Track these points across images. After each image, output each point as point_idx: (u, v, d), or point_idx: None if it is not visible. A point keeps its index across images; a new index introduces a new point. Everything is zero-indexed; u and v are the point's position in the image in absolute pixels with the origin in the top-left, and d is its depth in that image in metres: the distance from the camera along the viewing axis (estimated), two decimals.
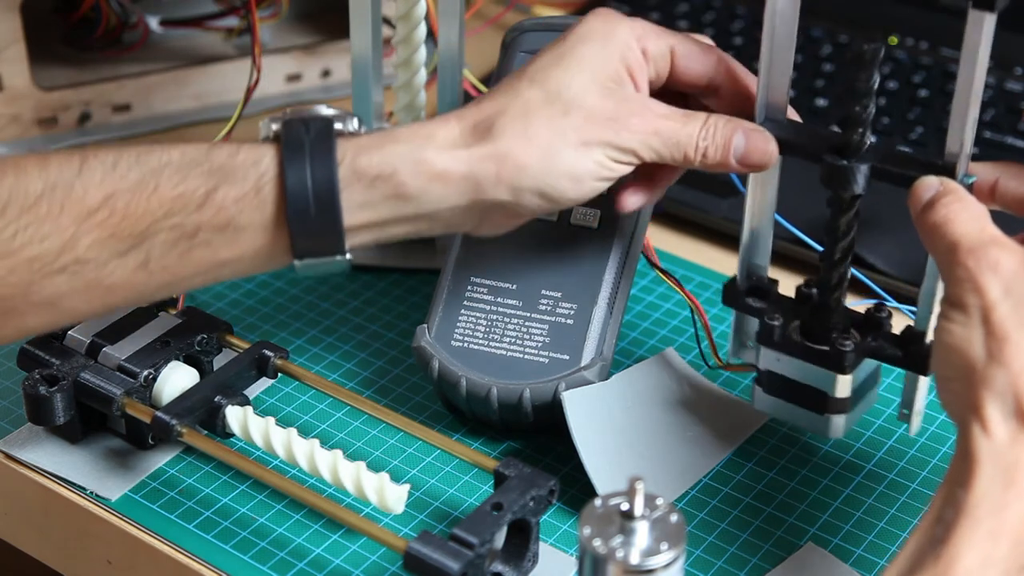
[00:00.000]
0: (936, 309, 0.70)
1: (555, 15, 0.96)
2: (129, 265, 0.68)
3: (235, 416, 0.76)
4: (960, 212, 0.65)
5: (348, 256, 0.69)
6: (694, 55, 0.73)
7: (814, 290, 0.74)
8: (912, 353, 0.72)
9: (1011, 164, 0.71)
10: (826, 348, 0.72)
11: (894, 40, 1.10)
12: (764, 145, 0.71)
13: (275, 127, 0.69)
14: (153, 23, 1.11)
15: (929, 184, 0.67)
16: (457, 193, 0.69)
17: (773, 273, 0.77)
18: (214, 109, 1.08)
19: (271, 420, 0.75)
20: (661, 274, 0.81)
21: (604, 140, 0.69)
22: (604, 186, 0.71)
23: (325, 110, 0.70)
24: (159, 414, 0.75)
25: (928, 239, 0.66)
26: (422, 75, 0.91)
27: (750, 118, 0.72)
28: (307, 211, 0.67)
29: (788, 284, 0.77)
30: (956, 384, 0.62)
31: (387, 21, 0.99)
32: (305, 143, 0.68)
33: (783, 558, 0.74)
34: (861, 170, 0.69)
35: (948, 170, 0.68)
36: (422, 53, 0.91)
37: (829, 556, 0.74)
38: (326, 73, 1.11)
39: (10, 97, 1.03)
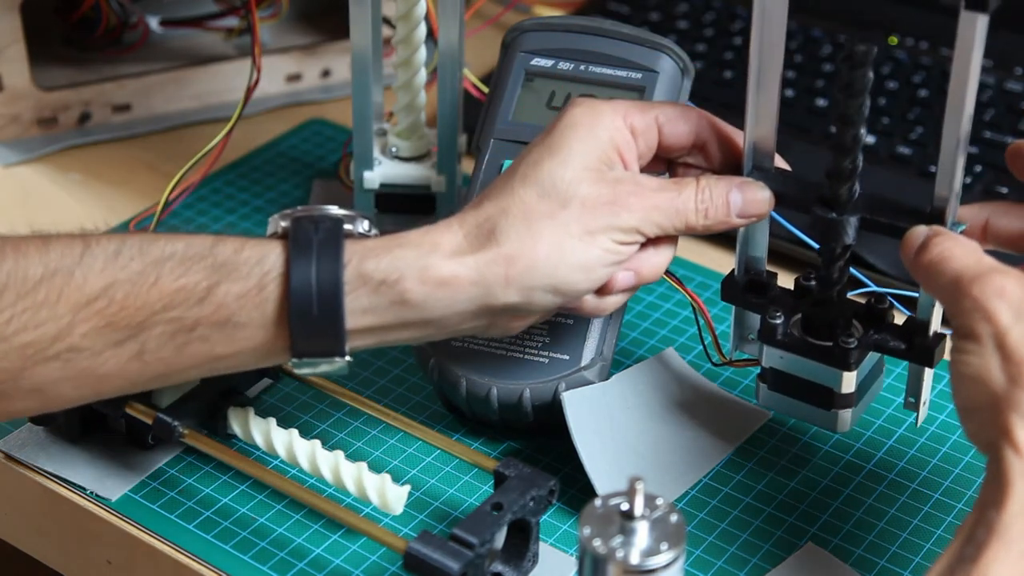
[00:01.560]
0: None
1: (555, 15, 0.96)
2: (124, 355, 0.67)
3: (236, 417, 0.76)
4: (955, 248, 0.65)
5: (348, 358, 0.68)
6: (677, 118, 0.73)
7: (813, 282, 0.74)
8: (917, 345, 0.72)
9: (999, 203, 0.72)
10: (830, 344, 0.72)
11: (894, 40, 1.10)
12: (760, 195, 0.72)
13: (284, 224, 0.69)
14: (153, 23, 1.11)
15: (920, 231, 0.68)
16: (466, 299, 0.68)
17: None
18: (214, 109, 1.08)
19: (272, 421, 0.75)
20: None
21: (606, 225, 0.69)
22: (612, 271, 0.71)
23: (335, 210, 0.69)
24: (161, 415, 0.75)
25: (927, 279, 0.66)
26: (422, 75, 0.91)
27: (738, 169, 0.73)
28: (309, 312, 0.66)
29: (787, 282, 0.77)
30: (981, 414, 0.62)
31: (387, 21, 0.99)
32: (313, 242, 0.67)
33: (783, 558, 0.74)
34: (851, 223, 0.69)
35: (937, 217, 0.69)
36: (422, 53, 0.90)
37: (829, 556, 0.74)
38: (326, 73, 1.11)
39: (10, 97, 1.03)
